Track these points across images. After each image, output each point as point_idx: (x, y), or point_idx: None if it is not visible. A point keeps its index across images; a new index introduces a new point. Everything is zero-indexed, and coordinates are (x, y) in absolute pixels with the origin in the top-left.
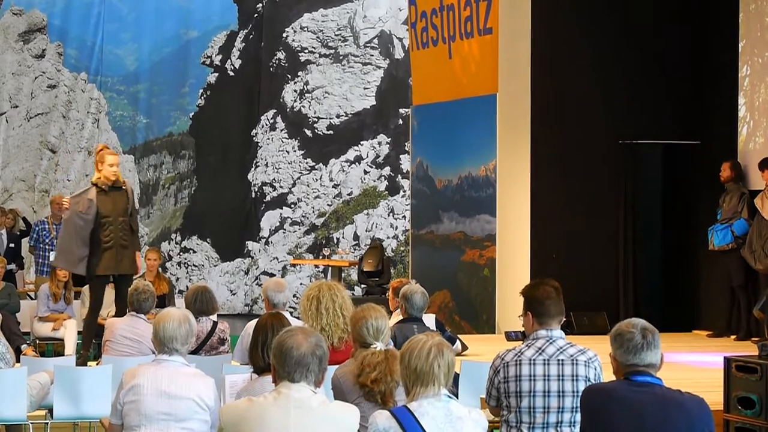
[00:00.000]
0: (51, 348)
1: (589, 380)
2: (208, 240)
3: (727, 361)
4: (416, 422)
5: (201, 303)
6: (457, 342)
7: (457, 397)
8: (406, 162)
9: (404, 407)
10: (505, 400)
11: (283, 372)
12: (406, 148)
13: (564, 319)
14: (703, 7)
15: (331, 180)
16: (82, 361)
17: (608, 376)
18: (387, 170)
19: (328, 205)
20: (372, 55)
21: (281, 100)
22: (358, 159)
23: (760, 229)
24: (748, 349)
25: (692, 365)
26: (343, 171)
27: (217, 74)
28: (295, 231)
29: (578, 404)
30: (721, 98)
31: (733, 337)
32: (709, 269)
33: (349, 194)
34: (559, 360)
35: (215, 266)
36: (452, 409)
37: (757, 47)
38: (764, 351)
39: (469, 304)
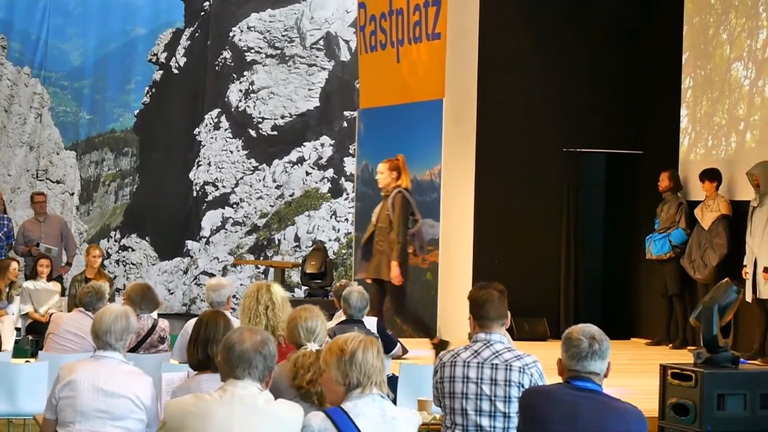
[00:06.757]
0: None
1: (522, 386)
2: (146, 238)
3: (663, 368)
4: (351, 423)
5: (144, 298)
6: (398, 345)
7: (395, 399)
8: (349, 164)
9: (339, 408)
10: (442, 400)
11: (227, 368)
12: (350, 151)
13: (508, 323)
14: (648, 19)
15: (274, 181)
16: None
17: (552, 379)
18: (330, 172)
19: (270, 205)
20: (317, 57)
21: (226, 99)
22: (301, 160)
23: (700, 240)
24: (685, 358)
25: (629, 373)
26: (286, 172)
27: (162, 72)
28: (236, 231)
29: (510, 410)
30: (664, 109)
31: (670, 345)
32: (647, 278)
33: (291, 195)
34: (493, 364)
35: (153, 265)
36: (386, 409)
37: (700, 60)
38: (699, 359)
39: (412, 307)
